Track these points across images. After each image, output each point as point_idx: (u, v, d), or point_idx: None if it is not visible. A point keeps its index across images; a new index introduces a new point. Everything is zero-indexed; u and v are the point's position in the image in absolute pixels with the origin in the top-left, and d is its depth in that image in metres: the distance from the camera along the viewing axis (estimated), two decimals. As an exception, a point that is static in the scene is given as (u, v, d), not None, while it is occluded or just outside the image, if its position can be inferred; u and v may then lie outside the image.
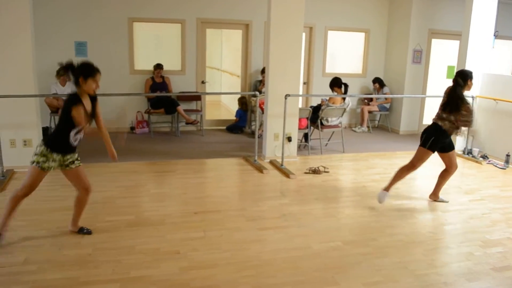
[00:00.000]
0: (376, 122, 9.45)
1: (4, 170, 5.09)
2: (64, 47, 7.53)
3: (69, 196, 4.48)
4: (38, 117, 5.42)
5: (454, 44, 8.28)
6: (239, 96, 8.67)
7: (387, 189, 4.45)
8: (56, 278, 2.90)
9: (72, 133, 3.33)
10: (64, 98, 6.33)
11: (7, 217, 3.35)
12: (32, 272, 2.98)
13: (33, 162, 3.26)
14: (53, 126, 7.28)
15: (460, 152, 6.87)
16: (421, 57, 8.61)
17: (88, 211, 4.08)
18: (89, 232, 3.61)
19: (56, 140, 3.34)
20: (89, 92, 3.34)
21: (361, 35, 9.11)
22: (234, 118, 8.49)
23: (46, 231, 3.63)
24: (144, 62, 8.02)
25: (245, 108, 8.40)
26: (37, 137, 5.24)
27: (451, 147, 4.43)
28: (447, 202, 4.64)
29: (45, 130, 6.32)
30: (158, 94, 7.61)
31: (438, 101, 4.44)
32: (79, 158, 3.54)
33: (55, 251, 3.30)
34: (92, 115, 3.47)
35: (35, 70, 5.31)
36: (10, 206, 3.34)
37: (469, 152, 6.82)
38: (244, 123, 8.35)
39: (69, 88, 7.22)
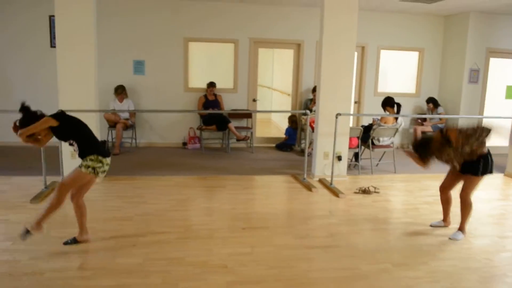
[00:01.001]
0: (430, 143, 9.16)
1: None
2: (123, 66, 7.92)
3: (124, 207, 4.68)
4: (98, 130, 5.71)
5: (514, 63, 7.97)
6: (289, 114, 8.72)
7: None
8: (109, 284, 3.01)
9: None
10: (120, 114, 6.76)
11: (45, 219, 3.49)
12: (86, 277, 3.12)
13: (88, 167, 3.46)
14: (110, 139, 7.63)
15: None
16: (478, 76, 8.33)
17: (140, 222, 4.25)
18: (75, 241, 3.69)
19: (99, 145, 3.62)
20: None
21: (415, 54, 8.95)
22: (284, 136, 8.54)
23: (101, 239, 3.78)
24: (198, 80, 8.26)
25: (295, 126, 8.44)
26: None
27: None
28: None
29: (103, 143, 6.64)
30: (210, 111, 7.80)
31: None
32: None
33: (109, 259, 3.43)
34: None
35: (97, 87, 5.64)
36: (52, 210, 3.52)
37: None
38: (294, 141, 8.37)
39: (126, 104, 7.58)
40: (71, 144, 3.53)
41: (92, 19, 5.44)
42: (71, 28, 5.38)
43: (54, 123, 3.42)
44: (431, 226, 4.42)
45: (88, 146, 3.52)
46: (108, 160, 3.57)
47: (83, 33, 5.42)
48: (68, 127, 3.51)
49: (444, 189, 4.35)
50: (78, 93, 5.46)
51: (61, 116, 3.55)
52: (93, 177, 3.52)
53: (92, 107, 5.50)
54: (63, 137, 3.53)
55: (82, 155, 3.50)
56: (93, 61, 5.50)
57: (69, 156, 5.50)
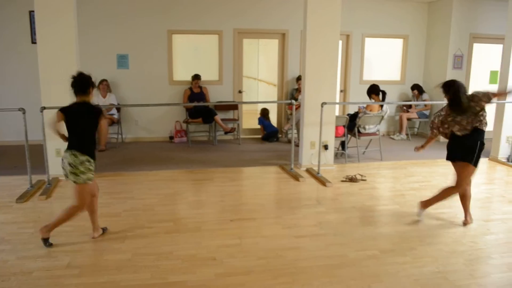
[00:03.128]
0: (416, 129, 9.26)
1: (50, 178, 5.32)
2: (107, 60, 7.83)
3: (111, 203, 4.66)
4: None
5: (497, 48, 8.02)
6: (276, 105, 8.73)
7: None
8: (98, 281, 3.01)
9: None
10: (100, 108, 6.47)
11: (57, 225, 3.58)
12: (75, 275, 3.10)
13: (87, 180, 3.50)
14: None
15: (504, 160, 6.64)
16: (462, 62, 8.40)
17: (128, 217, 4.24)
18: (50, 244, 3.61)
19: (94, 149, 3.59)
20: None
21: (399, 41, 8.99)
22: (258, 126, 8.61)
23: (89, 237, 3.76)
24: (183, 73, 8.21)
25: (267, 118, 8.52)
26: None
27: None
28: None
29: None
30: (196, 104, 7.77)
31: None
32: None
33: (97, 256, 3.43)
34: None
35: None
36: (68, 217, 3.58)
37: (514, 160, 6.59)
38: (272, 128, 8.39)
39: (109, 99, 7.50)
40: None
41: (73, 13, 5.34)
42: (52, 23, 5.28)
43: None
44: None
45: (89, 149, 3.55)
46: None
47: (64, 28, 5.32)
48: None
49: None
50: (61, 89, 5.34)
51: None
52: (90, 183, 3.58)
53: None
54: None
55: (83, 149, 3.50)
56: (75, 56, 5.42)
57: (54, 155, 5.44)
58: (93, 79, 3.60)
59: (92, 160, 3.52)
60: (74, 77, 3.53)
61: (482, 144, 3.87)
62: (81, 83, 3.52)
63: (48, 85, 5.35)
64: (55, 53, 5.32)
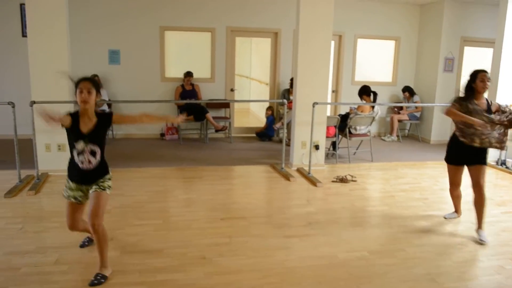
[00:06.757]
0: (406, 131, 9.32)
1: (39, 174, 5.27)
2: (98, 56, 7.77)
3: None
4: (72, 122, 5.59)
5: (488, 52, 8.09)
6: (267, 104, 8.73)
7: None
8: (86, 279, 2.97)
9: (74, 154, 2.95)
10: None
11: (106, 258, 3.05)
12: (63, 272, 3.08)
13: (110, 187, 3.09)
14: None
15: (493, 163, 6.70)
16: (453, 65, 8.47)
17: (117, 214, 4.21)
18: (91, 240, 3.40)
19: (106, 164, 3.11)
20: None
21: (391, 43, 9.03)
22: (263, 125, 8.54)
23: (77, 234, 3.72)
24: (175, 70, 8.18)
25: (273, 113, 8.49)
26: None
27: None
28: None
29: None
30: (187, 101, 7.74)
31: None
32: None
33: (85, 253, 3.39)
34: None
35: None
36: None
37: (503, 163, 6.64)
38: (273, 132, 8.35)
39: (103, 96, 7.44)
40: (93, 153, 2.95)
41: (64, 7, 5.29)
42: (42, 17, 5.23)
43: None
44: (445, 218, 4.37)
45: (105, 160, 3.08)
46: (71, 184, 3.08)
47: (55, 21, 5.27)
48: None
49: (458, 186, 4.22)
50: (51, 83, 5.31)
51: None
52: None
53: (65, 98, 5.35)
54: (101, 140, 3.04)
55: (103, 170, 3.06)
56: (66, 50, 5.37)
57: (44, 149, 5.39)
58: (96, 77, 3.06)
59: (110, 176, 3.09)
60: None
61: None
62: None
63: (39, 79, 5.30)
64: (46, 47, 5.27)
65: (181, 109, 7.90)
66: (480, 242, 3.81)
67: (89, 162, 2.93)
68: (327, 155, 6.77)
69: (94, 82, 2.91)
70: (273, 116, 8.47)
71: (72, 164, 2.98)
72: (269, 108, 8.55)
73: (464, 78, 4.01)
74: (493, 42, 6.89)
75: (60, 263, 3.21)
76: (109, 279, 2.98)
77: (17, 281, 2.93)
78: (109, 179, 3.09)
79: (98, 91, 2.93)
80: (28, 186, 5.01)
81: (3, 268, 3.10)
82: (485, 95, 3.94)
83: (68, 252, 3.39)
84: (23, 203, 4.51)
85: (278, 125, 8.18)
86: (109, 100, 7.61)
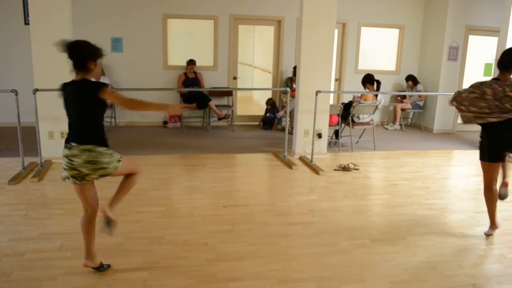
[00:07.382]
0: (409, 120, 9.30)
1: (43, 161, 5.30)
2: (101, 43, 7.70)
3: (104, 187, 4.63)
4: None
5: (493, 40, 8.03)
6: (270, 92, 8.70)
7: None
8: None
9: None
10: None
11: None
12: (67, 258, 3.11)
13: (118, 162, 2.94)
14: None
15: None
16: (457, 54, 8.40)
17: (122, 202, 4.21)
18: (108, 266, 3.02)
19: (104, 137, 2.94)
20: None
21: (395, 32, 8.97)
22: (267, 114, 8.47)
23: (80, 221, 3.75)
24: (177, 58, 8.15)
25: (275, 107, 8.40)
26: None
27: None
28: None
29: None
30: (190, 89, 7.72)
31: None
32: None
33: (89, 239, 3.42)
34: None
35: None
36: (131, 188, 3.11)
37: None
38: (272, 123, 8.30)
39: (105, 82, 7.43)
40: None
41: (67, -6, 5.28)
42: (45, 4, 5.21)
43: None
44: (485, 234, 3.78)
45: (100, 137, 2.97)
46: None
47: (58, 9, 5.25)
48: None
49: (494, 185, 3.72)
50: (54, 71, 5.29)
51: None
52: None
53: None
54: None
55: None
56: (69, 38, 5.34)
57: (47, 137, 5.41)
58: (97, 46, 2.89)
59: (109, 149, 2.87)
60: (67, 46, 2.77)
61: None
62: (75, 55, 2.80)
63: (41, 67, 5.30)
64: (48, 34, 5.24)
65: (184, 97, 7.89)
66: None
67: None
68: (329, 144, 6.77)
69: None
70: (271, 111, 8.37)
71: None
72: (269, 100, 8.44)
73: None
74: (498, 31, 6.82)
75: (64, 249, 3.25)
76: (112, 265, 3.01)
77: (21, 267, 2.97)
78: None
79: None
80: (31, 173, 5.04)
81: (8, 254, 3.14)
82: None
83: (71, 238, 3.42)
84: (27, 190, 4.54)
85: (281, 113, 8.16)
86: (112, 88, 7.60)
